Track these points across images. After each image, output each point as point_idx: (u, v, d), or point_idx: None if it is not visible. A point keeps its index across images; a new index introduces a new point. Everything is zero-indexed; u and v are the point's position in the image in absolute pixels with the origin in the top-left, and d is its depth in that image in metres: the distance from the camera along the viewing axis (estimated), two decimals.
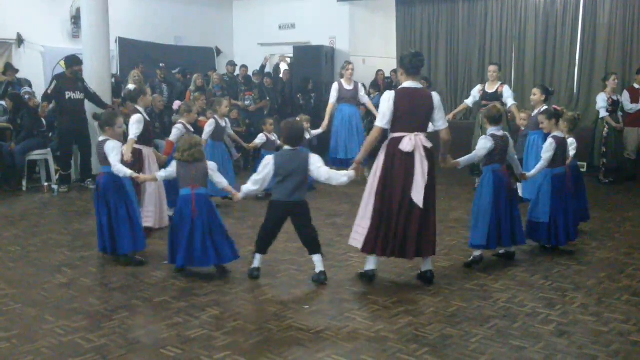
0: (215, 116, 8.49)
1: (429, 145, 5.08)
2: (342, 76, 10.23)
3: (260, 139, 9.17)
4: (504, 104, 9.07)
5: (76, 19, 12.49)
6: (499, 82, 9.39)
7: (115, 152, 5.71)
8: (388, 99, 5.11)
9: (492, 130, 5.78)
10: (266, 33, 15.48)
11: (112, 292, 5.09)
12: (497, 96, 9.21)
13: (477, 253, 5.78)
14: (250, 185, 5.32)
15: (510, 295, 4.96)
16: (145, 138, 6.80)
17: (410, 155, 5.02)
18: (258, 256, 5.40)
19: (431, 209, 5.16)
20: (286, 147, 5.30)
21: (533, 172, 6.17)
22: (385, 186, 5.12)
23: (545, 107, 7.42)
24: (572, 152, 6.48)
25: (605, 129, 10.06)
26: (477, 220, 5.73)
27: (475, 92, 9.60)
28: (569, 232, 6.14)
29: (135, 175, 5.74)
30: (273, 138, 9.24)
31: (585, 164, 10.22)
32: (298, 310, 4.66)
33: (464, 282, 5.28)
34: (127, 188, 5.83)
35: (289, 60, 14.97)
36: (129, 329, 4.32)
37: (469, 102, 9.76)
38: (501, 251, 5.92)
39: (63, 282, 5.33)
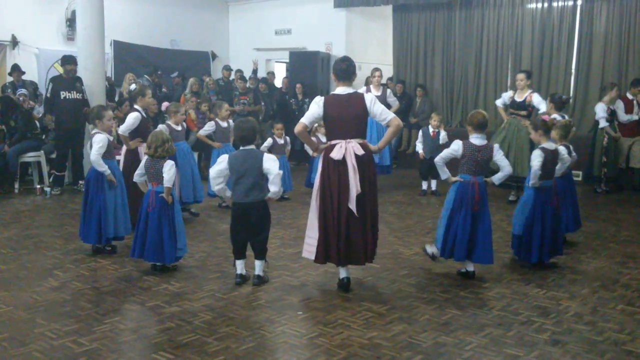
0: (217, 119, 8.66)
1: (360, 152, 5.00)
2: (368, 83, 10.07)
3: (267, 142, 9.19)
4: (533, 115, 8.83)
5: (71, 21, 12.45)
6: (529, 91, 8.82)
7: (100, 145, 6.03)
8: (317, 102, 5.11)
9: (473, 137, 5.46)
10: (262, 38, 15.49)
11: (104, 295, 5.06)
12: (525, 105, 8.76)
13: (433, 250, 5.65)
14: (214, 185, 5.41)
15: (505, 304, 4.95)
16: (142, 135, 6.85)
17: (343, 163, 4.99)
18: (237, 262, 5.40)
19: (368, 216, 5.08)
20: (241, 148, 5.33)
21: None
22: (324, 194, 5.09)
23: (555, 116, 7.26)
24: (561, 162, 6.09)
25: (605, 139, 9.98)
26: (438, 227, 5.59)
27: (506, 98, 9.14)
28: (554, 246, 5.87)
29: (110, 177, 6.05)
30: (281, 142, 9.31)
31: (580, 172, 10.23)
32: (291, 317, 4.64)
33: (459, 290, 5.26)
34: (106, 186, 6.06)
35: (282, 74, 14.93)
36: (120, 333, 4.28)
37: (499, 103, 9.29)
38: (462, 269, 5.60)
39: (55, 285, 5.29)
